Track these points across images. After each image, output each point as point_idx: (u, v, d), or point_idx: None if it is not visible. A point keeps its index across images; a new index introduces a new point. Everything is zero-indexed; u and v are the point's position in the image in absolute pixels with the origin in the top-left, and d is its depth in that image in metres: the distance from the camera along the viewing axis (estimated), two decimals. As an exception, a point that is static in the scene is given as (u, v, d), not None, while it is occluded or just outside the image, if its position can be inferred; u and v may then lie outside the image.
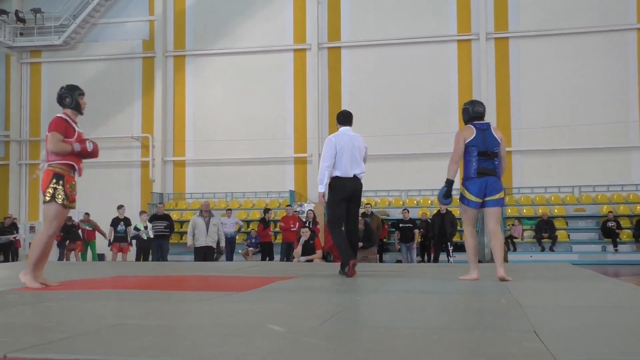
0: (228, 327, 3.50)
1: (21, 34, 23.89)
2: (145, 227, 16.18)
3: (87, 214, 19.08)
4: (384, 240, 18.76)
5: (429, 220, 17.79)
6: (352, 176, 7.16)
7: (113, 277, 7.46)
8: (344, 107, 21.60)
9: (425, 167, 20.43)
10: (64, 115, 5.98)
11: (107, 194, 22.30)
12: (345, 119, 7.39)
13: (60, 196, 5.81)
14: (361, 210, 17.23)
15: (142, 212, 16.96)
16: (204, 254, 13.92)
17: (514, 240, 19.35)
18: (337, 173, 7.15)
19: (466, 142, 6.45)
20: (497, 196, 6.44)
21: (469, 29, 21.32)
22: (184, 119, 23.06)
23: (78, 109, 6.12)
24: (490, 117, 20.69)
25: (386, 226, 18.62)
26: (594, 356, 2.61)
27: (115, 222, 16.97)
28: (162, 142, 22.92)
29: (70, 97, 6.07)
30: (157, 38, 23.25)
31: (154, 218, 16.68)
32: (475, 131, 6.46)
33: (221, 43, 22.83)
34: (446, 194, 6.69)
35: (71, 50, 23.90)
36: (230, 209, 18.84)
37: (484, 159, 6.40)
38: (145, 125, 23.23)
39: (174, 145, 23.11)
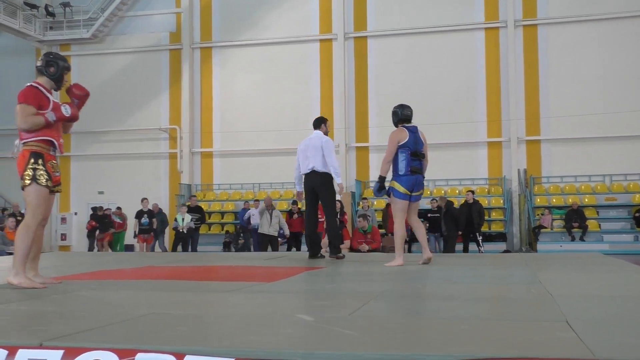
0: (257, 316, 3.52)
1: (51, 28, 24.19)
2: (183, 220, 16.89)
3: (118, 208, 19.55)
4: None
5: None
6: (308, 171, 8.35)
7: (143, 267, 7.54)
8: (370, 98, 21.58)
9: (452, 156, 20.29)
10: (36, 84, 5.13)
11: (135, 185, 22.54)
12: (314, 124, 8.84)
13: (42, 177, 5.00)
14: (387, 201, 17.26)
15: (182, 205, 17.48)
16: (269, 241, 15.77)
17: (542, 230, 19.13)
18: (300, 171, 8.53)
19: (400, 143, 7.19)
20: (420, 192, 7.40)
21: (497, 16, 21.05)
22: (211, 110, 23.16)
23: (59, 83, 5.25)
24: (519, 106, 20.57)
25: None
26: (627, 346, 2.58)
27: (139, 215, 17.57)
28: (190, 134, 23.07)
29: (57, 66, 5.21)
30: (183, 30, 23.35)
31: (186, 210, 17.28)
32: (408, 134, 7.23)
33: (247, 34, 22.86)
34: (380, 189, 7.50)
35: (99, 43, 24.13)
36: (257, 200, 18.94)
37: (414, 159, 7.23)
38: (173, 117, 23.39)
39: (202, 137, 23.24)
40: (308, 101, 21.99)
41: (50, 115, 5.04)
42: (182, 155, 23.11)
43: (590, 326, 3.02)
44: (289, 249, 17.51)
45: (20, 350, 2.58)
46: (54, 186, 5.15)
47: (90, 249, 18.99)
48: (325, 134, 8.78)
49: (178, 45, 23.39)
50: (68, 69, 5.29)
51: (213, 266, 7.89)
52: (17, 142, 5.14)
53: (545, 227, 19.19)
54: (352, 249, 13.06)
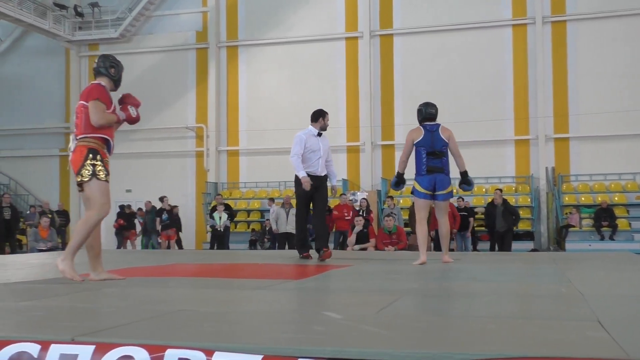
0: (285, 314, 3.52)
1: (80, 28, 24.51)
2: (220, 218, 17.20)
3: (139, 209, 19.82)
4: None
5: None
6: None
7: (171, 264, 7.60)
8: (396, 95, 21.47)
9: (478, 154, 20.10)
10: (103, 83, 5.28)
11: (162, 183, 22.71)
12: None
13: (102, 172, 5.00)
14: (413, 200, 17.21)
15: (219, 204, 17.76)
16: (287, 239, 15.87)
17: (570, 229, 18.85)
18: None
19: (415, 142, 7.21)
20: (445, 191, 7.31)
21: (525, 12, 20.80)
22: (237, 108, 23.26)
23: (118, 83, 5.40)
24: (547, 103, 20.32)
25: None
26: (661, 347, 2.53)
27: (159, 212, 17.88)
28: (216, 132, 23.20)
29: (117, 68, 5.36)
30: (210, 29, 23.48)
31: (214, 210, 17.46)
32: (424, 133, 7.22)
33: (273, 32, 22.91)
34: (397, 183, 7.64)
35: (127, 43, 24.37)
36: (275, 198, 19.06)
37: (432, 158, 7.19)
38: (200, 115, 23.54)
39: (228, 135, 23.35)
40: (334, 100, 21.96)
41: (122, 114, 5.23)
42: (208, 154, 23.25)
43: (622, 326, 2.97)
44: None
45: (52, 345, 2.62)
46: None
47: (119, 246, 19.24)
48: (322, 128, 9.03)
49: (204, 44, 23.53)
50: (123, 69, 5.47)
51: (240, 264, 7.93)
52: (71, 143, 5.18)
53: (574, 226, 18.92)
54: (377, 249, 13.03)
